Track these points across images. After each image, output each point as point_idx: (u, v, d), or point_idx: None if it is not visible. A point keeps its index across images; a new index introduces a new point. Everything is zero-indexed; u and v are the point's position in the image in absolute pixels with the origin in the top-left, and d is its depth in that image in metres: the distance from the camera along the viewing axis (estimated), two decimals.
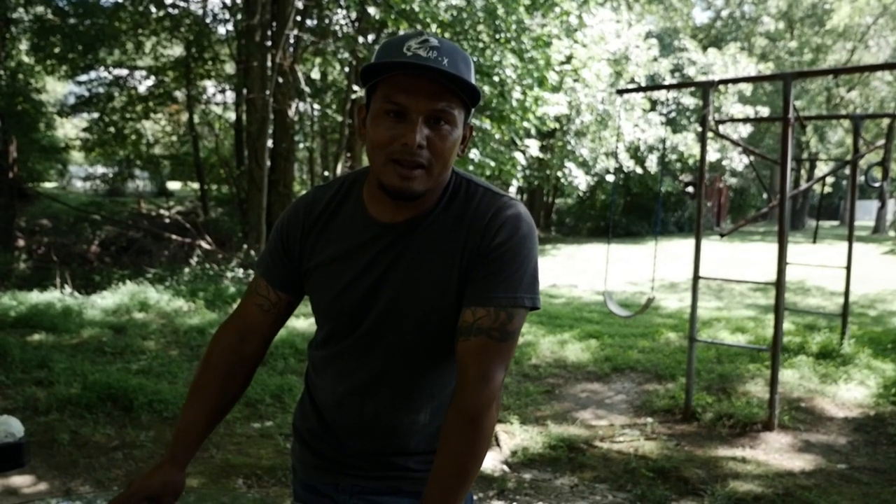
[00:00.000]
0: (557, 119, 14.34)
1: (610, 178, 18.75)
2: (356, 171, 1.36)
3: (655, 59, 19.27)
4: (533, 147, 12.85)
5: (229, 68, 16.05)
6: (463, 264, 1.24)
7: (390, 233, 1.26)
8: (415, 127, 1.14)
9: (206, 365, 1.38)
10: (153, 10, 13.59)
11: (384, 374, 1.31)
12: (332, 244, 1.31)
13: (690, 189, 24.31)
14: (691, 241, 5.07)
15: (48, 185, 24.30)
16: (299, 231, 1.34)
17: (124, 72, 16.35)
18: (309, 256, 1.33)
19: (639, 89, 6.73)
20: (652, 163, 19.78)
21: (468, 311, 1.21)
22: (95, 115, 16.24)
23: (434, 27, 9.60)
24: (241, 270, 10.24)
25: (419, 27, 9.60)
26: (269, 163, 11.03)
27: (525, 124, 10.99)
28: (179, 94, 16.63)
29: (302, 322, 6.88)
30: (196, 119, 17.24)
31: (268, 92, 10.16)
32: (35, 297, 7.88)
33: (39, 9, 13.73)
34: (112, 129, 15.92)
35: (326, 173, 14.81)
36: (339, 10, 12.13)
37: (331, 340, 1.36)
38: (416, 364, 1.30)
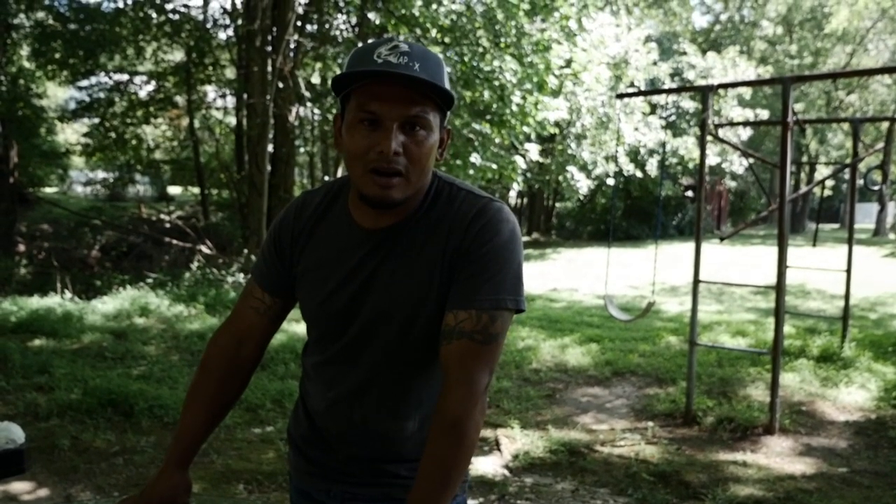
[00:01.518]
0: (557, 124, 14.37)
1: (610, 181, 18.78)
2: (344, 177, 1.37)
3: (655, 63, 19.30)
4: (533, 151, 12.86)
5: (230, 73, 16.07)
6: (445, 267, 1.23)
7: (373, 239, 1.27)
8: (389, 134, 1.14)
9: (203, 370, 1.40)
10: (154, 15, 13.62)
11: (372, 380, 1.31)
12: (318, 249, 1.32)
13: (690, 193, 24.35)
14: (692, 245, 5.08)
15: (49, 190, 24.30)
16: (290, 235, 1.35)
17: (125, 77, 16.37)
18: (298, 260, 1.34)
19: (638, 93, 6.74)
20: (652, 166, 19.80)
21: (450, 315, 1.20)
22: (96, 120, 16.25)
23: (434, 32, 9.63)
24: (242, 275, 10.24)
25: (419, 32, 9.62)
26: (269, 167, 11.05)
27: (525, 129, 11.01)
28: (180, 99, 16.64)
29: (303, 327, 6.87)
30: (196, 124, 17.26)
31: (268, 97, 10.17)
32: (35, 302, 7.88)
33: (40, 14, 13.77)
34: (113, 134, 15.93)
35: (327, 177, 14.82)
36: (339, 16, 12.16)
37: (319, 346, 1.37)
38: (402, 370, 1.30)
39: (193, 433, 1.37)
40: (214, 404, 1.39)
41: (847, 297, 6.71)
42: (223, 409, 1.41)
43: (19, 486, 3.42)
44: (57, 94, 23.24)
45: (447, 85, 1.19)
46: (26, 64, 15.34)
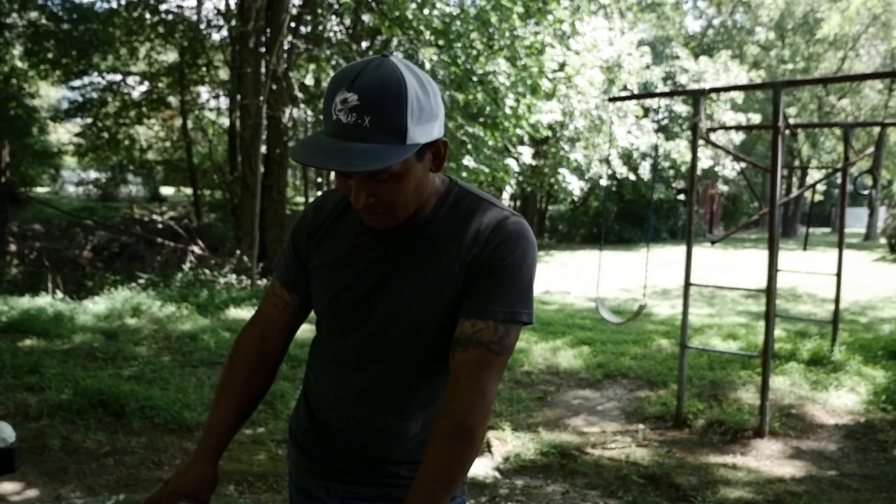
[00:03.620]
0: (550, 126, 14.41)
1: (603, 182, 18.85)
2: None
3: (648, 67, 19.39)
4: (526, 154, 12.89)
5: (223, 74, 16.06)
6: (461, 275, 1.24)
7: (389, 237, 1.28)
8: (357, 192, 1.16)
9: (231, 364, 1.43)
10: (147, 15, 13.60)
11: (378, 380, 1.32)
12: (334, 246, 1.34)
13: (683, 196, 24.44)
14: (684, 248, 5.10)
15: (41, 189, 24.23)
16: (307, 233, 1.38)
17: (118, 77, 16.35)
18: (314, 257, 1.37)
19: (630, 97, 6.76)
20: (645, 170, 19.87)
21: (467, 323, 1.21)
22: (89, 120, 16.22)
23: (427, 35, 9.64)
24: (234, 276, 10.22)
25: (412, 34, 9.63)
26: (262, 168, 11.04)
27: (518, 131, 11.03)
28: (173, 100, 16.63)
29: (302, 329, 6.86)
30: (190, 124, 17.24)
31: (262, 98, 10.16)
32: (27, 302, 7.85)
33: (33, 14, 13.73)
34: (105, 135, 15.91)
35: (320, 179, 14.81)
36: (333, 17, 12.16)
37: (328, 342, 1.38)
38: (409, 372, 1.31)
39: (223, 427, 1.38)
40: (243, 398, 1.41)
41: (837, 300, 6.75)
42: (252, 403, 1.43)
43: (9, 487, 3.41)
44: (49, 93, 23.15)
45: (411, 116, 1.09)
46: (19, 63, 15.29)
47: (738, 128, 8.32)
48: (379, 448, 1.34)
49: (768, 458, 4.16)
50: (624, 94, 15.28)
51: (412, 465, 1.32)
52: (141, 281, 9.95)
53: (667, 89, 20.52)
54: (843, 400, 5.22)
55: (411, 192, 1.19)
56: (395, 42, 10.38)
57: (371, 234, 1.30)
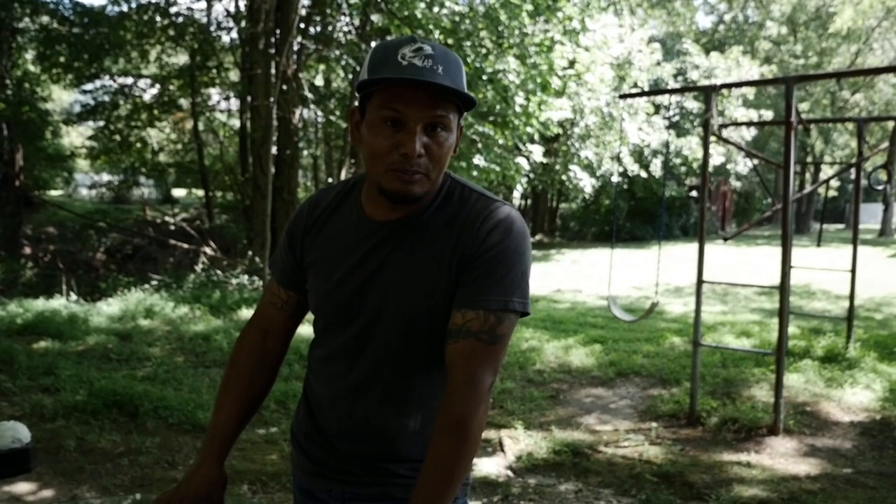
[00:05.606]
0: (561, 124, 14.37)
1: (615, 179, 18.80)
2: (359, 175, 1.39)
3: (658, 64, 19.29)
4: (537, 152, 12.86)
5: (234, 76, 16.11)
6: (453, 266, 1.24)
7: (383, 230, 1.28)
8: (413, 136, 1.16)
9: (233, 364, 1.46)
10: (158, 18, 13.67)
11: (374, 376, 1.31)
12: (328, 242, 1.35)
13: (695, 193, 24.32)
14: (696, 246, 5.07)
15: (54, 193, 24.43)
16: (301, 230, 1.39)
17: (129, 80, 16.44)
18: (309, 253, 1.37)
19: (641, 94, 6.74)
20: (656, 167, 19.79)
21: (458, 314, 1.21)
22: (101, 123, 16.32)
23: (437, 34, 9.64)
24: (246, 277, 10.26)
25: (421, 34, 9.63)
26: (273, 169, 11.07)
27: (528, 129, 11.01)
28: (184, 102, 16.70)
29: (306, 328, 6.87)
30: (201, 126, 17.31)
31: (272, 99, 10.19)
32: (41, 304, 7.92)
33: (45, 18, 13.83)
34: (117, 137, 16.00)
35: (330, 180, 14.86)
36: (342, 18, 12.18)
37: (324, 338, 1.39)
38: (406, 367, 1.31)
39: (227, 428, 1.41)
40: (245, 398, 1.44)
41: (852, 297, 6.70)
42: (254, 403, 1.45)
43: (25, 487, 3.44)
44: (62, 97, 23.32)
45: (465, 86, 1.21)
46: (31, 67, 15.42)
47: (749, 124, 8.26)
48: (377, 446, 1.33)
49: (783, 456, 4.13)
50: (634, 90, 15.22)
51: (412, 464, 1.32)
52: (154, 282, 10.01)
53: (678, 86, 20.42)
54: (858, 397, 5.18)
55: (446, 158, 1.22)
56: (423, 39, 10.39)
57: (364, 228, 1.30)
